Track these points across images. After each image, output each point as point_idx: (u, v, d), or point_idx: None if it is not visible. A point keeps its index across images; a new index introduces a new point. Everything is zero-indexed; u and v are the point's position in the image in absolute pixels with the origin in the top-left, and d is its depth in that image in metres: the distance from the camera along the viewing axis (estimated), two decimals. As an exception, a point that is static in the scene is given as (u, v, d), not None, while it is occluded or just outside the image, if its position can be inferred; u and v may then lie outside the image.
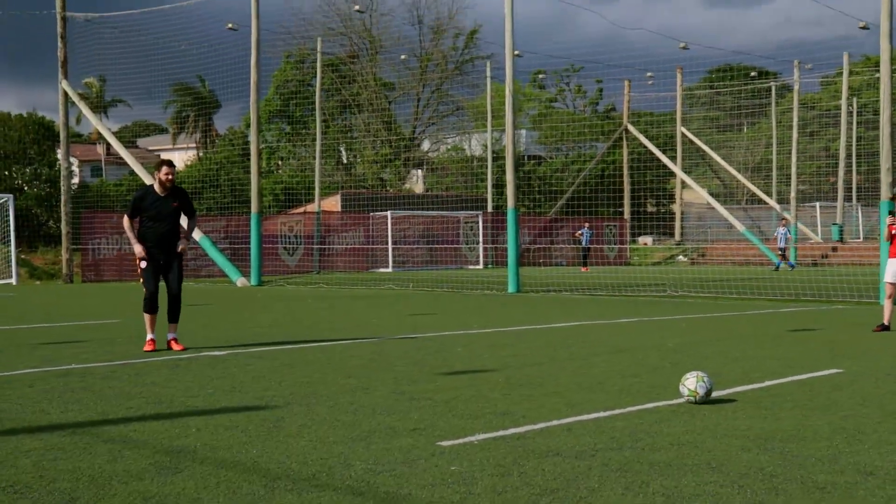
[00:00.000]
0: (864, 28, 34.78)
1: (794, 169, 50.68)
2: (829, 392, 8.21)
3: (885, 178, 20.60)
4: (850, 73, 57.27)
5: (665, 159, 54.52)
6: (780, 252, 40.94)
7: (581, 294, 24.29)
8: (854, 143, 63.82)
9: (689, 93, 67.94)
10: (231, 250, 35.24)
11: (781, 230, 41.03)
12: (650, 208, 68.10)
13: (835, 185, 60.63)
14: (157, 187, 11.26)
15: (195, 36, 40.87)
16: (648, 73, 57.38)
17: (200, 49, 41.51)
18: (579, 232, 45.01)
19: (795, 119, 51.31)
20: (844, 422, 6.89)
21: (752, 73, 68.68)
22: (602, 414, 7.20)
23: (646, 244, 57.45)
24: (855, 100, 63.89)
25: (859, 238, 58.18)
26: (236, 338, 12.87)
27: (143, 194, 11.30)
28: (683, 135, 57.73)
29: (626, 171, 57.68)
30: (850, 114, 60.30)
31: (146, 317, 11.32)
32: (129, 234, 11.23)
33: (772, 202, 56.58)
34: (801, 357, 10.70)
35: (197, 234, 31.26)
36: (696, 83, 77.83)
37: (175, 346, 11.31)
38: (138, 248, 11.11)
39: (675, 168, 55.09)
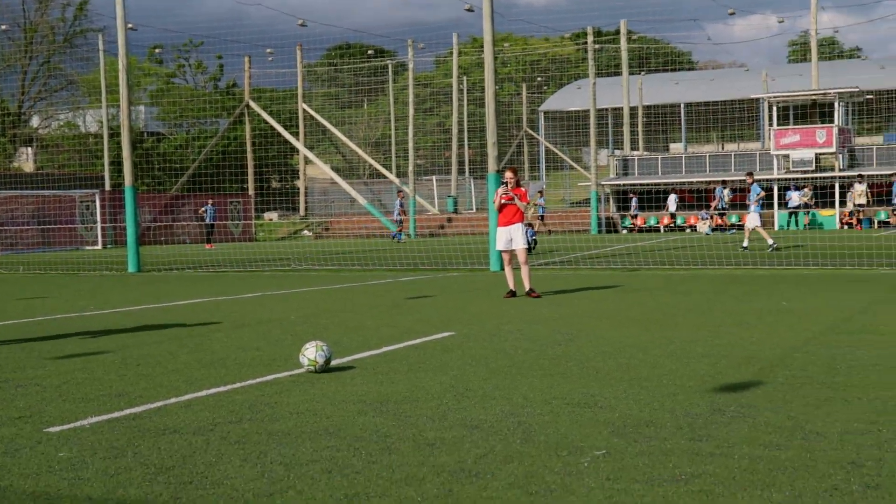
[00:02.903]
0: (469, 10, 36.67)
1: (411, 144, 52.62)
2: (441, 354, 8.60)
3: (491, 152, 21.84)
4: (460, 53, 60.23)
5: (288, 135, 54.83)
6: (398, 223, 42.56)
7: (205, 271, 23.92)
8: (466, 120, 67.26)
9: (309, 70, 68.57)
10: None
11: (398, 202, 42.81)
12: (275, 184, 68.28)
13: (449, 160, 63.66)
14: None
15: None
16: (269, 50, 57.38)
17: None
18: (203, 209, 44.31)
19: (411, 96, 53.24)
20: (454, 381, 7.25)
21: (370, 52, 70.44)
22: (222, 389, 7.12)
23: (271, 220, 57.56)
24: (465, 78, 67.29)
25: (472, 209, 61.50)
26: None
27: None
28: (305, 111, 58.27)
29: (249, 148, 57.39)
30: (460, 91, 63.44)
31: None
32: None
33: (391, 176, 58.47)
34: (417, 323, 11.15)
35: None
36: (317, 60, 78.77)
37: None
38: None
39: (298, 144, 55.55)
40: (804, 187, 44.93)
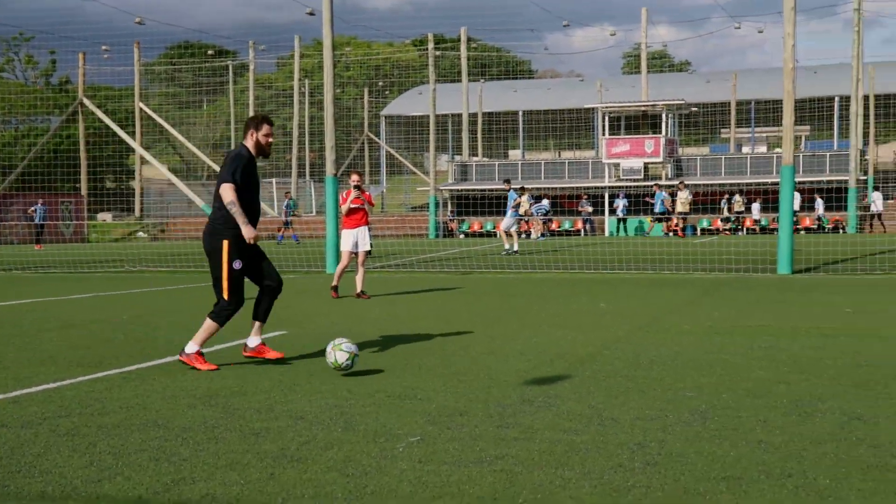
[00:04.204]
0: (310, 14, 36.81)
1: (250, 146, 52.26)
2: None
3: (329, 156, 22.14)
4: (302, 55, 60.19)
5: (124, 135, 53.75)
6: (286, 225, 42.10)
7: (34, 272, 23.40)
8: (307, 123, 67.18)
9: (147, 68, 67.37)
10: None
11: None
12: (109, 184, 66.71)
13: (290, 162, 63.47)
14: (253, 151, 8.09)
15: None
16: (105, 47, 56.17)
17: None
18: (32, 209, 43.09)
19: (251, 98, 52.97)
20: (283, 377, 7.55)
21: (211, 52, 69.63)
22: (51, 385, 7.23)
23: (105, 220, 56.24)
24: (307, 81, 67.23)
25: (312, 212, 61.46)
26: None
27: (250, 157, 8.03)
28: (142, 110, 57.21)
29: (82, 147, 55.95)
30: (302, 94, 63.36)
31: (214, 329, 8.14)
32: (238, 209, 7.78)
33: (230, 178, 57.84)
34: (250, 323, 11.34)
35: None
36: (156, 59, 77.33)
37: (272, 354, 8.39)
38: (253, 231, 7.88)
39: (135, 144, 54.52)
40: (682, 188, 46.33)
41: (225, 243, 7.91)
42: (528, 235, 40.41)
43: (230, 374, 7.63)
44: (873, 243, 29.62)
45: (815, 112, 63.28)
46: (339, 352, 7.48)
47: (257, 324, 8.39)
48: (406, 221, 51.57)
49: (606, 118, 48.33)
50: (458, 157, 60.31)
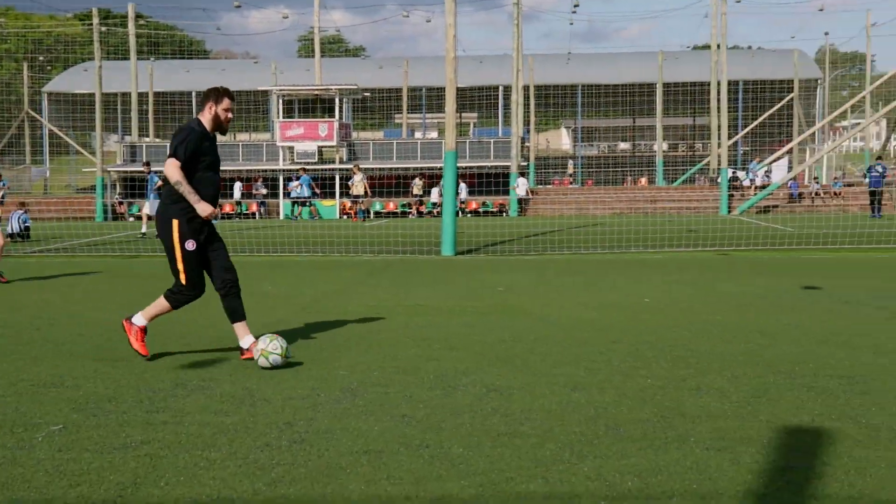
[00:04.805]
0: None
1: None
2: None
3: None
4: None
5: None
6: None
7: None
8: (-41, 97, 62.43)
9: None
10: None
11: None
12: None
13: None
14: (208, 125, 7.35)
15: None
16: None
17: None
18: None
19: None
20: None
21: None
22: None
23: None
24: (-41, 53, 62.43)
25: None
26: None
27: (202, 132, 7.26)
28: None
29: None
30: (-47, 67, 58.79)
31: (166, 309, 7.42)
32: (186, 186, 7.09)
33: None
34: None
35: None
36: None
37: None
38: (208, 208, 7.13)
39: None
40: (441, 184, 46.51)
41: (174, 223, 7.23)
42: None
43: None
44: (528, 226, 31.45)
45: (481, 100, 66.21)
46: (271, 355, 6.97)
47: (242, 323, 7.48)
48: (71, 204, 49.20)
49: (281, 101, 48.22)
50: (127, 138, 58.17)
